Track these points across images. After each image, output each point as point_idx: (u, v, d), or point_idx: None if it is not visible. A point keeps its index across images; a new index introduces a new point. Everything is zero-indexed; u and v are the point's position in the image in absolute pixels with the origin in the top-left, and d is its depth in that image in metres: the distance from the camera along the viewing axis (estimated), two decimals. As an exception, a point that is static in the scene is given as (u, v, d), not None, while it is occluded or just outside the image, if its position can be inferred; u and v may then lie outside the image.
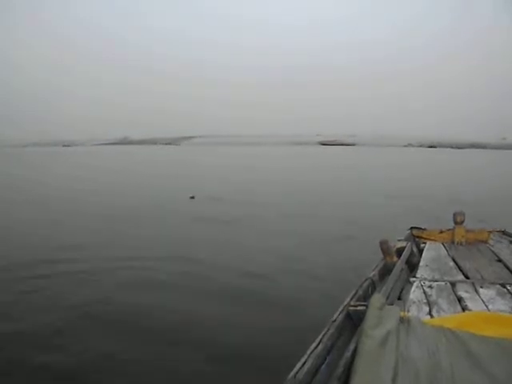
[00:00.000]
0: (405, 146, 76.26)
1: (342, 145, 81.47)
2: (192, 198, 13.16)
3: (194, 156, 36.91)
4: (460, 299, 2.44)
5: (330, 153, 32.21)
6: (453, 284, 2.70)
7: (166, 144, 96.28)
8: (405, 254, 3.21)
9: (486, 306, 2.32)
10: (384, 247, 3.11)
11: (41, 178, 19.75)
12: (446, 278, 2.83)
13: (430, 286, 2.65)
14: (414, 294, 2.54)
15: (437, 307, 2.34)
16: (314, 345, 1.84)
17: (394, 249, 3.25)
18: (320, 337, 1.91)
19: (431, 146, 70.31)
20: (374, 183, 13.72)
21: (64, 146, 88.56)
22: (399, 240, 3.60)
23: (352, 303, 2.23)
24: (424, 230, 4.09)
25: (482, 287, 2.61)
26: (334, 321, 2.06)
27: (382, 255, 3.13)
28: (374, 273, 2.78)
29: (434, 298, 2.47)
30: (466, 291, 2.56)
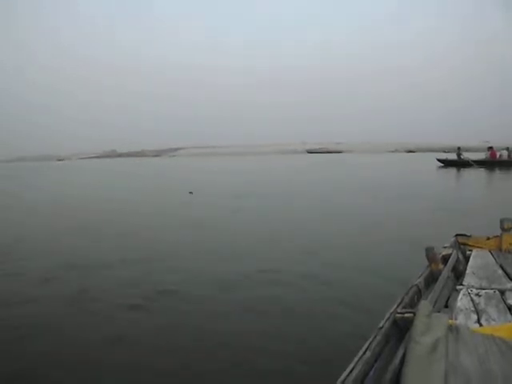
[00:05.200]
0: (391, 151, 76.90)
1: (329, 152, 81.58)
2: (191, 193, 14.77)
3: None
4: (510, 308, 2.40)
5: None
6: (502, 292, 2.66)
7: (155, 156, 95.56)
8: (451, 261, 3.18)
9: None
10: (429, 254, 3.07)
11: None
12: (494, 286, 2.79)
13: (478, 294, 2.61)
14: (462, 301, 2.51)
15: (486, 316, 2.31)
16: (361, 352, 1.83)
17: (440, 256, 3.22)
18: (367, 344, 1.90)
19: (410, 151, 71.19)
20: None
21: (58, 160, 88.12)
22: (444, 247, 3.56)
23: (399, 310, 2.20)
24: (470, 236, 4.02)
25: None
26: (381, 328, 2.04)
27: (427, 262, 3.09)
28: (419, 280, 2.74)
29: (482, 306, 2.44)
30: None
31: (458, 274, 3.19)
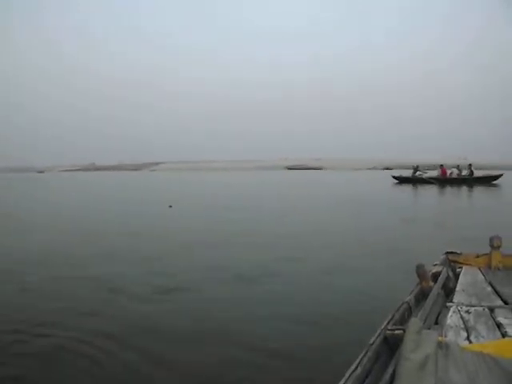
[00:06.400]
0: (369, 168, 77.86)
1: (308, 169, 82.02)
2: (170, 206, 15.05)
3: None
4: (499, 325, 2.41)
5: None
6: (491, 309, 2.66)
7: (134, 170, 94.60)
8: (441, 278, 3.18)
9: None
10: (420, 272, 3.06)
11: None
12: (483, 304, 2.78)
13: (468, 312, 2.61)
14: (452, 319, 2.51)
15: (475, 333, 2.30)
16: (352, 368, 1.81)
17: (430, 273, 3.21)
18: (358, 360, 1.88)
19: (387, 168, 70.81)
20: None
21: (38, 172, 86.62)
22: (435, 265, 3.56)
23: (389, 327, 2.20)
24: (460, 254, 4.02)
25: None
26: (372, 344, 2.03)
27: (417, 280, 3.08)
28: (410, 297, 2.73)
29: (471, 323, 2.44)
30: (506, 317, 2.51)
31: (448, 291, 3.20)
